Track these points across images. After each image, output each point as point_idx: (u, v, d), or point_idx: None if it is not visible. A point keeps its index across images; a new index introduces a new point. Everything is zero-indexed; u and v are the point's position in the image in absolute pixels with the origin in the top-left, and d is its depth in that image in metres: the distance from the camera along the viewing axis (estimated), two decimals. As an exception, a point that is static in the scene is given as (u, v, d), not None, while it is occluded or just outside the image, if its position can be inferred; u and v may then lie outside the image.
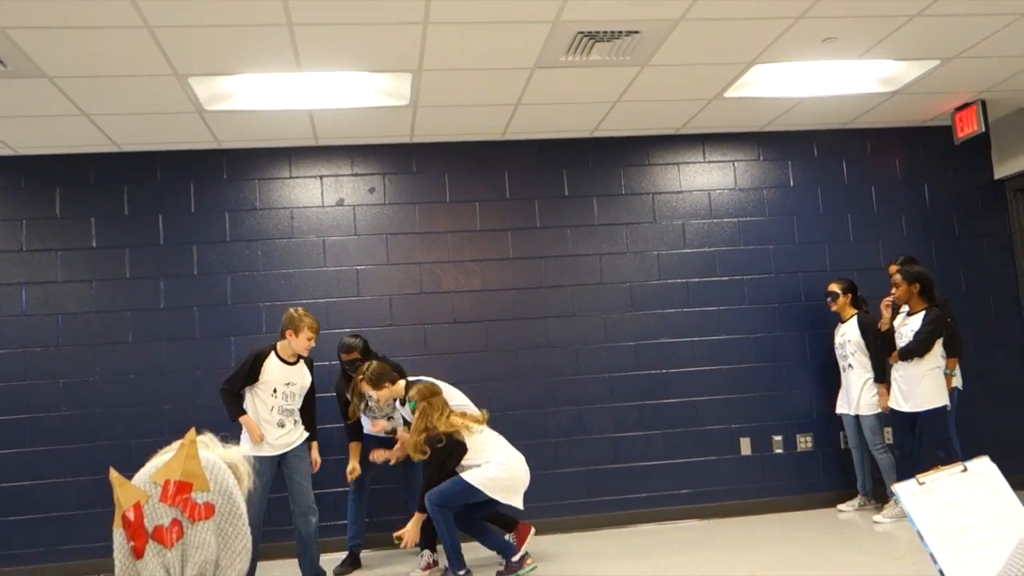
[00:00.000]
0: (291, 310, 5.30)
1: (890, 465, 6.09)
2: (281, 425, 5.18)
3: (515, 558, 5.05)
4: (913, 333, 5.72)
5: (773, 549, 5.43)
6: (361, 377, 5.32)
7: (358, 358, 5.57)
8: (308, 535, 5.19)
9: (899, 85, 5.98)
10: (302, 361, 5.31)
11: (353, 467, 5.63)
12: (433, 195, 6.55)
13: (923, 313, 5.74)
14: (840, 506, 6.42)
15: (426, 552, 5.42)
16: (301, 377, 5.29)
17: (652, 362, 6.60)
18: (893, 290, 5.90)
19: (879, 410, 6.11)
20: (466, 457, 5.00)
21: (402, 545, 5.12)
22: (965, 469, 2.14)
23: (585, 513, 6.37)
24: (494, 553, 5.19)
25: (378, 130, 6.22)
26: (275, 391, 5.16)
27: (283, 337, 5.23)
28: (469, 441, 5.02)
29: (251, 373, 5.14)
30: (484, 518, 5.21)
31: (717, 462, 6.59)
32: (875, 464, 6.24)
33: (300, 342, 5.18)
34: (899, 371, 5.83)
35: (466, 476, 4.97)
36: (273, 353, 5.22)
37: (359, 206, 6.48)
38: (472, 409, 5.29)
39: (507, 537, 5.35)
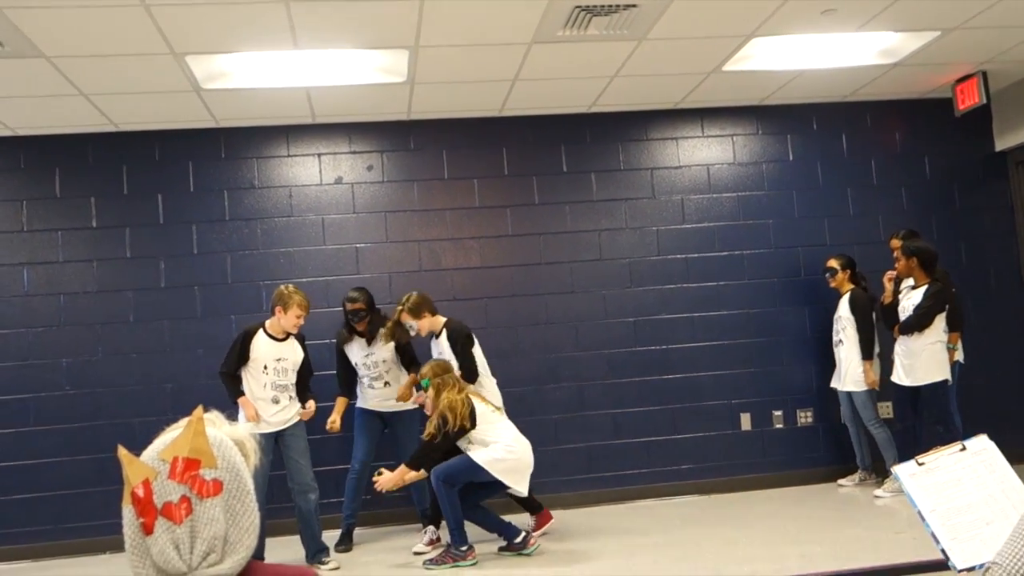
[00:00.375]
0: (281, 287, 5.31)
1: (887, 439, 6.11)
2: (276, 401, 5.19)
3: (518, 539, 5.08)
4: (914, 307, 5.74)
5: (774, 524, 5.47)
6: (401, 307, 5.47)
7: (362, 308, 5.60)
8: (308, 512, 5.23)
9: (899, 57, 5.95)
10: (292, 337, 5.33)
11: (334, 420, 5.61)
12: (431, 172, 6.54)
13: (924, 287, 5.75)
14: (840, 481, 6.46)
15: (430, 528, 5.48)
16: (292, 352, 5.30)
17: (651, 338, 6.62)
18: (896, 264, 5.91)
19: (868, 386, 6.13)
20: (477, 433, 5.02)
21: (376, 484, 5.12)
22: (963, 448, 2.16)
23: (585, 489, 6.41)
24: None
25: (375, 107, 6.20)
26: (266, 367, 5.18)
27: (273, 314, 5.26)
28: (481, 416, 5.03)
29: (241, 352, 5.17)
30: (480, 503, 5.22)
31: (717, 437, 6.62)
32: (873, 439, 6.28)
33: (289, 319, 5.19)
34: (900, 345, 5.84)
35: (473, 455, 5.00)
36: (261, 330, 5.25)
37: (357, 184, 6.48)
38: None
39: (530, 520, 5.47)
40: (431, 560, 5.06)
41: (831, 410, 6.61)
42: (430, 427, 5.06)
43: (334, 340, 5.82)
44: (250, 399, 5.18)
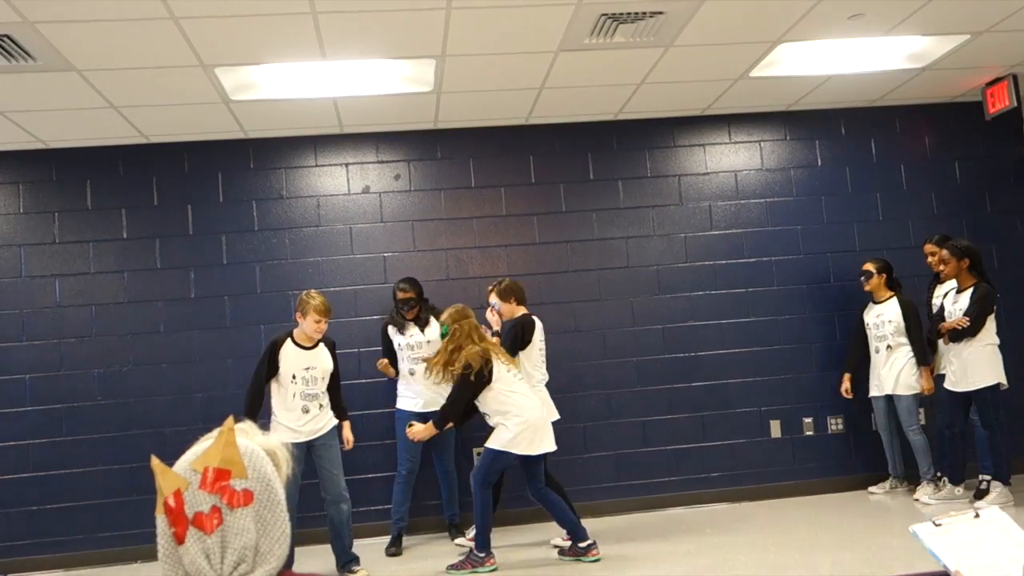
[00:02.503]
0: (302, 294, 5.26)
1: (924, 446, 6.05)
2: (305, 411, 5.12)
3: (583, 544, 5.06)
4: (962, 312, 5.65)
5: (805, 532, 5.42)
6: (492, 288, 5.62)
7: (412, 298, 5.77)
8: (340, 523, 5.20)
9: (928, 61, 5.89)
10: (322, 344, 5.25)
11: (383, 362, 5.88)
12: (458, 181, 6.56)
13: (971, 290, 5.67)
14: (871, 488, 6.39)
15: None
16: (321, 360, 5.21)
17: (680, 345, 6.59)
18: (941, 267, 5.82)
19: (918, 391, 6.06)
20: (492, 395, 5.00)
21: (409, 435, 5.19)
22: (977, 515, 2.20)
23: (615, 497, 6.38)
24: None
25: (402, 117, 6.23)
26: (294, 377, 5.11)
27: (296, 322, 5.24)
28: (497, 376, 5.01)
29: (270, 363, 5.12)
30: (557, 491, 5.20)
31: (747, 445, 6.57)
32: (904, 446, 6.20)
33: (308, 324, 5.12)
34: (951, 351, 5.75)
35: (489, 444, 5.02)
36: (289, 339, 5.19)
37: (385, 193, 6.50)
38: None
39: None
40: (452, 565, 5.07)
41: (862, 417, 6.53)
42: (454, 373, 5.04)
43: (365, 348, 5.86)
44: (280, 409, 5.14)
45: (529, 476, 5.10)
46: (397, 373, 5.91)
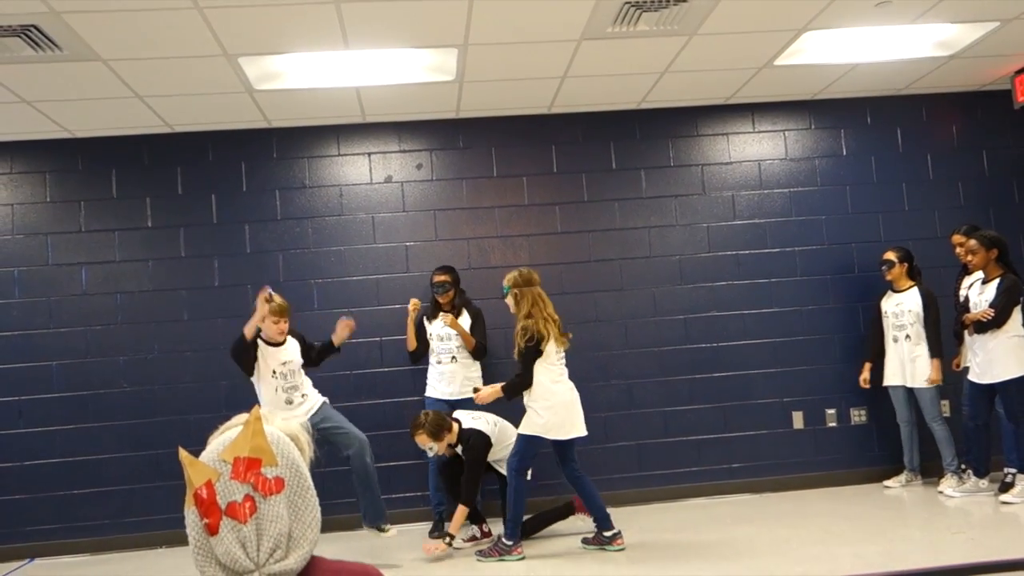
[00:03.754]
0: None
1: (947, 437, 6.00)
2: (289, 402, 5.19)
3: (608, 533, 5.08)
4: (988, 303, 5.59)
5: (827, 524, 5.39)
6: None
7: (447, 281, 5.86)
8: (367, 473, 5.20)
9: (956, 49, 5.82)
10: (290, 338, 5.30)
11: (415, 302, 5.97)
12: (480, 170, 6.55)
13: (997, 281, 5.61)
14: (887, 482, 6.33)
15: (473, 527, 5.51)
16: (293, 353, 5.28)
17: (702, 335, 6.56)
18: (969, 257, 5.76)
19: (940, 382, 6.01)
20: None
21: (476, 399, 5.20)
22: None
23: (637, 487, 6.38)
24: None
25: (425, 106, 6.23)
26: (275, 373, 5.17)
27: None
28: (545, 354, 5.00)
29: (250, 351, 5.14)
30: (585, 478, 5.19)
31: (769, 436, 6.54)
32: (923, 439, 6.16)
33: (267, 327, 5.15)
34: (976, 343, 5.69)
35: (522, 430, 5.03)
36: (259, 340, 5.20)
37: (407, 182, 6.51)
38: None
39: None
40: (480, 552, 5.11)
41: (885, 408, 6.47)
42: (517, 340, 5.03)
43: (388, 337, 5.91)
44: (266, 403, 5.11)
45: (563, 459, 5.12)
46: (418, 353, 6.00)
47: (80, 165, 6.31)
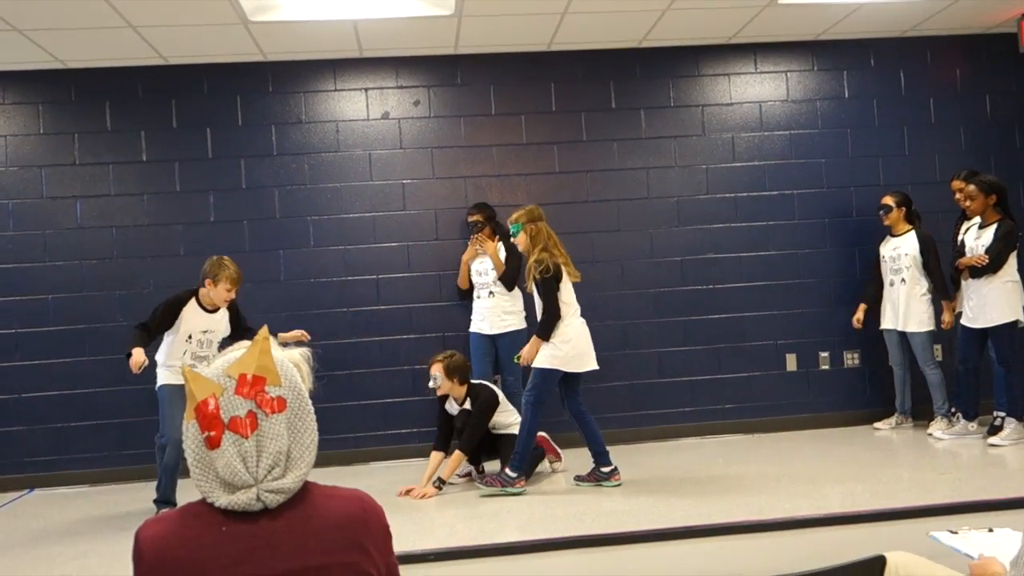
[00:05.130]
0: (214, 257, 5.05)
1: (940, 381, 6.05)
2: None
3: (605, 468, 5.15)
4: (984, 248, 5.60)
5: (817, 464, 5.45)
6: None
7: (480, 220, 5.97)
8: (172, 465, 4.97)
9: (963, -11, 5.73)
10: (224, 309, 5.10)
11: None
12: (478, 108, 6.49)
13: (994, 226, 5.61)
14: (877, 424, 6.40)
15: (469, 466, 5.57)
16: (221, 325, 5.09)
17: (699, 277, 6.57)
18: (967, 203, 5.74)
19: (932, 327, 6.04)
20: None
21: (521, 362, 5.23)
22: (991, 530, 2.38)
23: (630, 426, 6.43)
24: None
25: (422, 41, 6.14)
26: (190, 337, 5.00)
27: (203, 285, 4.99)
28: (562, 287, 5.05)
29: (168, 318, 4.95)
30: (588, 413, 5.25)
31: (763, 378, 6.60)
32: (915, 382, 6.21)
33: (219, 292, 4.95)
34: (970, 288, 5.71)
35: (538, 364, 5.04)
36: (193, 299, 5.01)
37: (404, 119, 6.45)
38: None
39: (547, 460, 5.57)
40: (483, 480, 5.19)
41: (878, 352, 6.52)
42: (530, 271, 5.06)
43: (383, 274, 6.08)
44: (166, 356, 5.00)
45: (569, 393, 5.17)
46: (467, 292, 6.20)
47: (73, 96, 6.23)
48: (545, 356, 5.04)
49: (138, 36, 5.63)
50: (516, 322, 6.00)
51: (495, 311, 5.97)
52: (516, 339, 5.83)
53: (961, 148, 6.73)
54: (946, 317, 6.03)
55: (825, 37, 6.64)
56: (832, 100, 6.72)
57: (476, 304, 6.08)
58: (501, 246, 6.00)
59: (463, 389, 5.37)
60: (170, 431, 4.95)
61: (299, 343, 5.05)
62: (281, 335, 5.16)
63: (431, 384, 5.36)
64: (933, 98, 6.76)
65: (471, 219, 6.06)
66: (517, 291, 6.00)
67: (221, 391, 1.47)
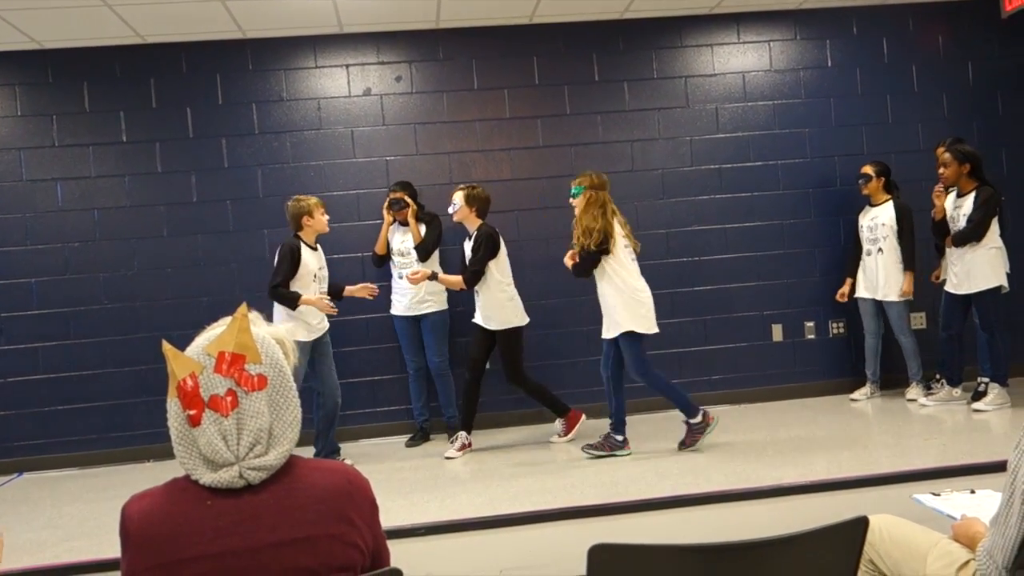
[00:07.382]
0: (289, 202, 5.41)
1: (914, 349, 6.09)
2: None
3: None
4: (966, 217, 5.62)
5: (803, 433, 5.50)
6: (464, 187, 5.57)
7: (402, 198, 5.89)
8: (335, 415, 5.45)
9: (945, -44, 5.71)
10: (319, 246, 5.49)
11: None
12: (461, 83, 6.45)
13: (973, 194, 5.63)
14: (853, 395, 6.41)
15: (461, 434, 5.58)
16: (325, 260, 5.51)
17: (684, 249, 6.58)
18: (941, 170, 5.76)
19: (909, 296, 6.06)
20: (612, 262, 5.08)
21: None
22: (974, 492, 2.46)
23: (617, 399, 6.45)
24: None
25: (403, 15, 6.09)
26: (315, 277, 5.32)
27: (299, 227, 5.34)
28: (617, 246, 5.08)
29: (294, 265, 5.21)
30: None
31: (749, 348, 6.63)
32: (888, 351, 6.25)
33: (320, 221, 5.36)
34: (954, 255, 5.74)
35: (625, 332, 5.03)
36: (302, 243, 5.30)
37: (386, 95, 6.40)
38: None
39: (557, 422, 5.71)
40: (590, 445, 5.24)
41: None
42: (578, 238, 5.11)
43: (368, 253, 5.98)
44: (303, 308, 5.22)
45: (619, 359, 5.18)
46: (383, 259, 6.07)
47: (51, 78, 6.16)
48: (628, 322, 5.04)
49: (114, 15, 5.56)
50: (438, 302, 5.96)
51: (416, 292, 5.87)
52: (437, 319, 5.91)
53: (944, 115, 6.74)
54: (905, 286, 6.03)
55: (808, 6, 6.61)
56: (815, 69, 6.71)
57: (397, 284, 6.01)
58: (423, 227, 5.92)
59: (477, 223, 5.49)
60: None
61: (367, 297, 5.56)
62: (348, 288, 5.56)
63: (450, 210, 5.52)
64: (916, 66, 6.76)
65: (393, 196, 5.93)
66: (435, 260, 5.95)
67: (200, 369, 1.47)
